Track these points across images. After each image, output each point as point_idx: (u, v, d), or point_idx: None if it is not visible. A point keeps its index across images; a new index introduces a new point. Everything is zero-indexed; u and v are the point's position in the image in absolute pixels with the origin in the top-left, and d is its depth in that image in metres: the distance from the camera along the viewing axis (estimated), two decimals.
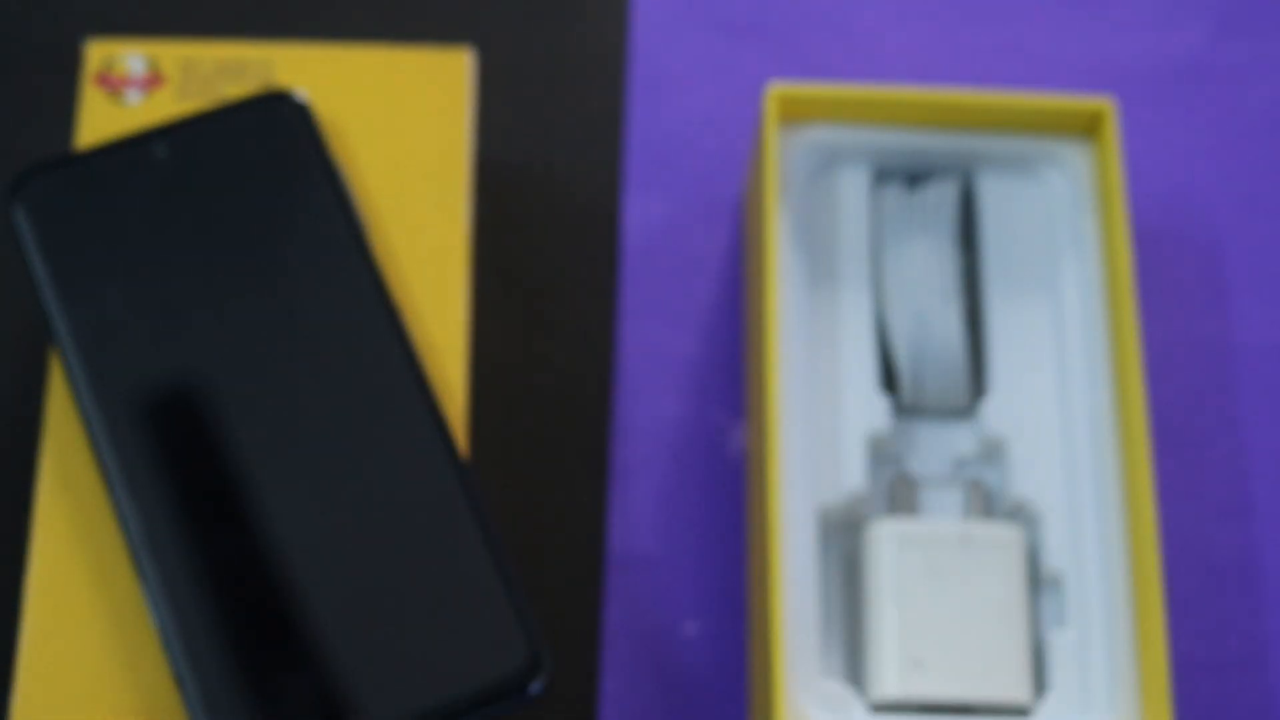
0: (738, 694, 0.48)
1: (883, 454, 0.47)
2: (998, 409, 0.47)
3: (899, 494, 0.46)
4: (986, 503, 0.46)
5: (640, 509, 0.50)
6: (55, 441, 0.44)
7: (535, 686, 0.41)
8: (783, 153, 0.48)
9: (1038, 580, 0.45)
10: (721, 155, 0.54)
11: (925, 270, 0.48)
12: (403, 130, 0.48)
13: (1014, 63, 0.55)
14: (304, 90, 0.47)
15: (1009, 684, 0.44)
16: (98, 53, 0.48)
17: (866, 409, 0.46)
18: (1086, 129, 0.49)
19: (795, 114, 0.49)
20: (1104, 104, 0.48)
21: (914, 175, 0.49)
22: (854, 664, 0.45)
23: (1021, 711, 0.44)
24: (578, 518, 0.49)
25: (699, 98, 0.54)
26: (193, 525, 0.42)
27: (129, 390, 0.43)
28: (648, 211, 0.53)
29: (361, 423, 0.43)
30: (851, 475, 0.46)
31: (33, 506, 0.44)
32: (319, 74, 0.48)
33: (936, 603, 0.44)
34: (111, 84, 0.48)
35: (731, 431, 0.51)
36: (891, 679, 0.44)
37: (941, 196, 0.49)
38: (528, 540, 0.49)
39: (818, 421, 0.46)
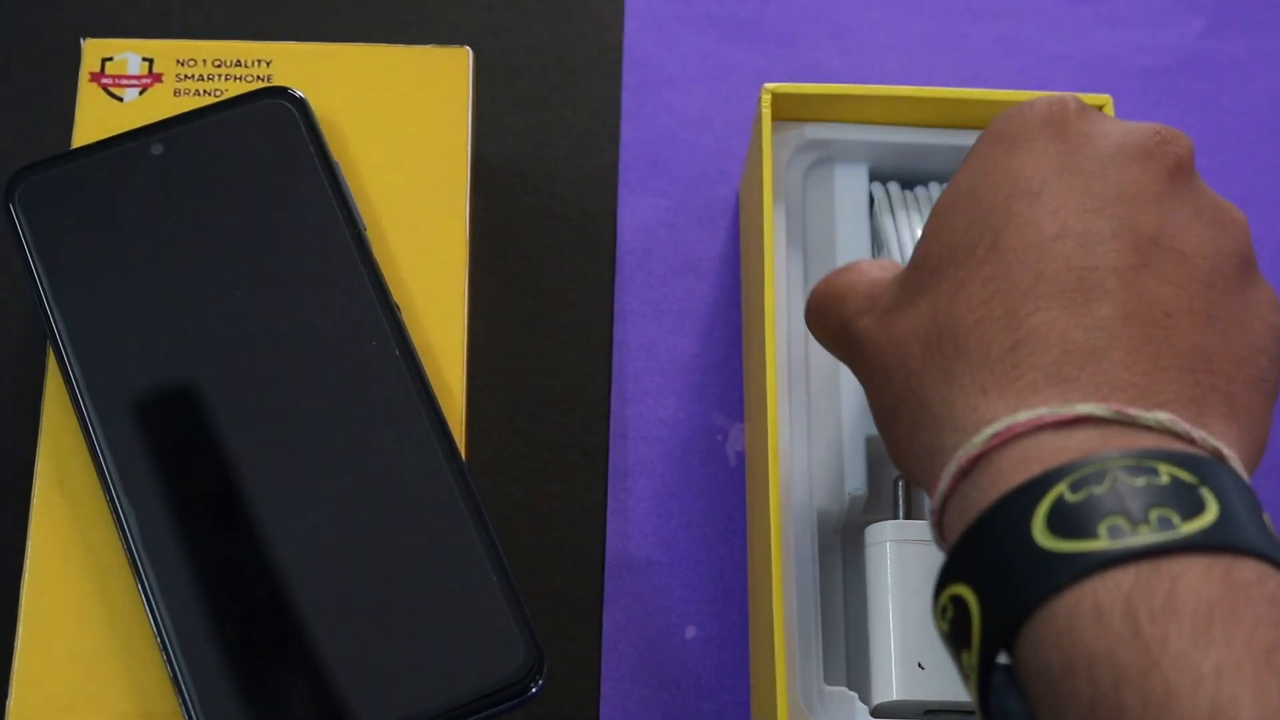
0: (738, 697, 0.48)
1: (882, 456, 0.47)
2: None
3: (899, 496, 0.46)
4: None
5: (639, 511, 0.49)
6: (51, 439, 0.44)
7: (534, 687, 0.41)
8: (778, 152, 0.48)
9: None
10: (717, 155, 0.53)
11: None
12: (403, 128, 0.47)
13: (1009, 60, 0.55)
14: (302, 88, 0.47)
15: None
16: (94, 50, 0.48)
17: (866, 411, 0.46)
18: None
19: (790, 113, 0.48)
20: (1100, 100, 0.48)
21: (910, 174, 0.49)
22: (855, 667, 0.45)
23: None
24: (577, 519, 0.49)
25: (694, 97, 0.54)
26: (189, 525, 0.42)
27: (125, 388, 0.43)
28: (644, 212, 0.53)
29: (359, 421, 0.43)
30: (851, 477, 0.46)
31: (29, 505, 0.43)
32: (318, 72, 0.48)
33: None
34: (108, 82, 0.47)
35: (730, 433, 0.51)
36: (893, 682, 0.43)
37: (938, 195, 0.49)
38: (528, 542, 0.48)
39: (817, 424, 0.46)
